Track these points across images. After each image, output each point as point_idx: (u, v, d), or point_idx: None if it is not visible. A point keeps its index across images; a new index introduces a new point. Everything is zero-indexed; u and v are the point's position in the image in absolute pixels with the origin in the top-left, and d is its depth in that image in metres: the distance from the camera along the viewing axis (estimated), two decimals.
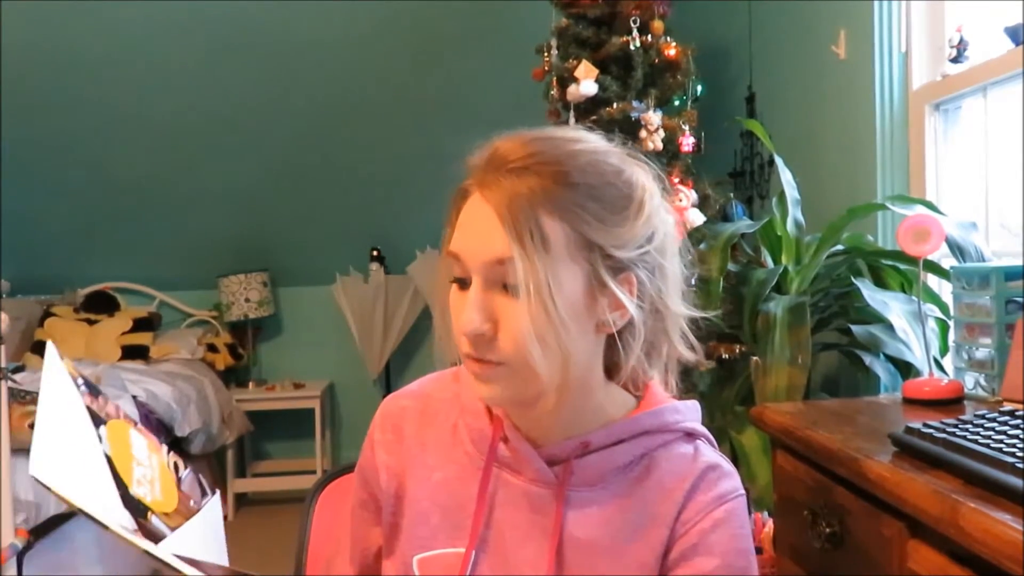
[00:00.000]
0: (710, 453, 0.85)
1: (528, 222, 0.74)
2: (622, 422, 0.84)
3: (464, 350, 0.78)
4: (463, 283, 0.78)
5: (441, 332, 0.85)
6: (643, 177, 0.81)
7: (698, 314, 0.87)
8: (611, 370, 0.85)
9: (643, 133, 2.34)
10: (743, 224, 1.87)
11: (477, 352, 0.77)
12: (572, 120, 2.40)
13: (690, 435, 0.86)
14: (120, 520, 0.85)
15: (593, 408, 0.84)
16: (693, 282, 0.86)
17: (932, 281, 1.85)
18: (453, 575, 0.82)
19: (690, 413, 0.87)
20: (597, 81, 2.37)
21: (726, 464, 0.85)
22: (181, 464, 1.00)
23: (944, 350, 1.67)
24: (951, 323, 1.55)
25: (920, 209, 1.66)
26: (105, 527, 0.80)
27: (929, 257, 1.36)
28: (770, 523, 1.71)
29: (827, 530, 1.05)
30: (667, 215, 0.83)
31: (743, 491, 0.84)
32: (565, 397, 0.79)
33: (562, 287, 0.74)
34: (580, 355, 0.78)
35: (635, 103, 2.36)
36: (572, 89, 2.38)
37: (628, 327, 0.80)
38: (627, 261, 0.78)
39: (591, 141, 0.81)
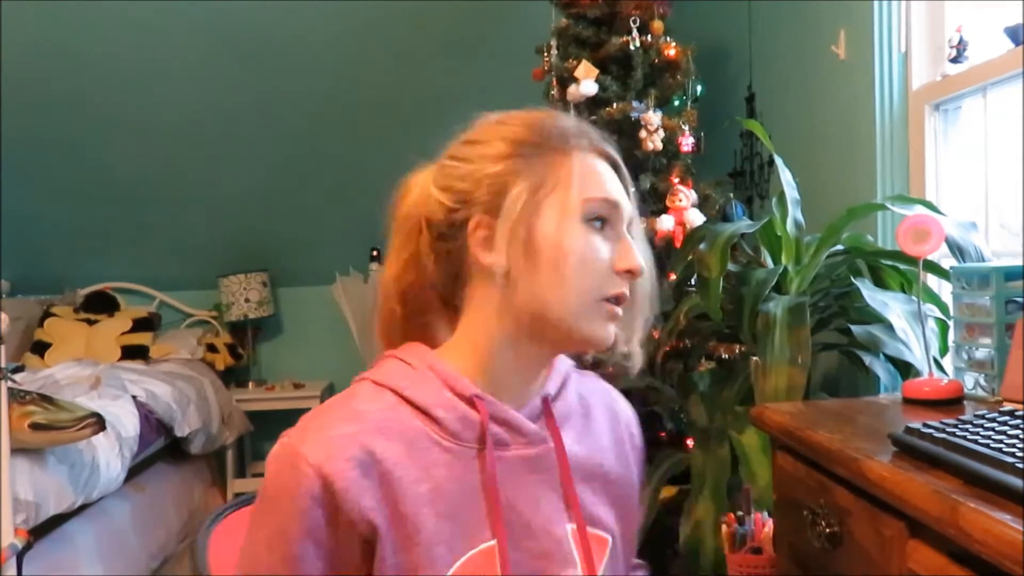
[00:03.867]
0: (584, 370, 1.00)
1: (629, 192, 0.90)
2: (555, 370, 0.93)
3: (615, 291, 0.84)
4: (602, 225, 0.86)
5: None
6: None
7: None
8: None
9: (643, 133, 2.34)
10: (743, 224, 1.87)
11: (626, 290, 0.86)
12: None
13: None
14: None
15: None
16: None
17: (932, 281, 1.85)
18: (490, 573, 0.81)
19: None
20: (597, 81, 2.38)
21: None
22: None
23: (944, 350, 1.67)
24: (951, 323, 1.55)
25: (920, 209, 1.66)
26: None
27: (929, 257, 1.36)
28: (770, 523, 1.71)
29: (827, 530, 1.05)
30: None
31: None
32: None
33: None
34: None
35: (635, 103, 2.36)
36: (572, 89, 2.38)
37: None
38: None
39: None
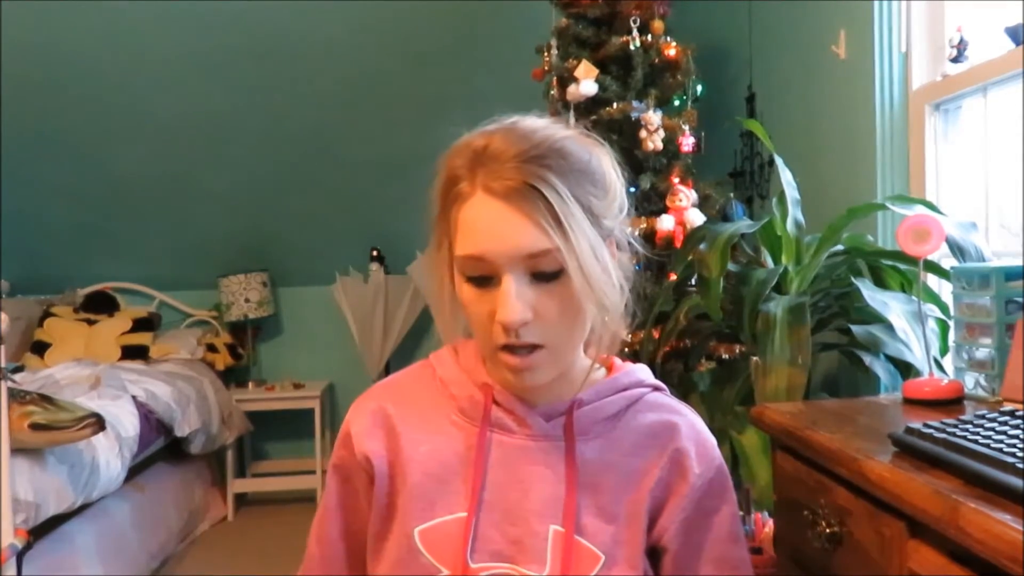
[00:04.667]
0: (676, 401, 0.98)
1: (560, 213, 0.80)
2: (603, 382, 0.94)
3: (501, 342, 0.83)
4: (482, 281, 0.83)
5: (447, 331, 0.93)
6: (601, 152, 0.89)
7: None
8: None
9: (643, 133, 2.34)
10: (743, 224, 1.87)
11: (520, 338, 0.82)
12: (572, 120, 2.40)
13: (656, 388, 0.98)
14: None
15: (578, 371, 0.93)
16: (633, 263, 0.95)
17: (932, 281, 1.85)
18: (456, 541, 0.86)
19: (650, 373, 1.00)
20: (597, 81, 2.38)
21: (690, 411, 0.97)
22: None
23: (944, 350, 1.67)
24: (951, 323, 1.55)
25: (920, 209, 1.66)
26: None
27: (929, 257, 1.36)
28: (770, 523, 1.71)
29: (827, 530, 1.05)
30: (621, 184, 0.91)
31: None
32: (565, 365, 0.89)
33: (593, 257, 0.82)
34: (619, 308, 0.87)
35: (635, 103, 2.36)
36: (572, 89, 2.38)
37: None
38: (611, 229, 0.88)
39: (555, 127, 0.87)
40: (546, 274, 0.82)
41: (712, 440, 0.95)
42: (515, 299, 0.81)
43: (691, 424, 0.94)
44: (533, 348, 0.83)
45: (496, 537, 0.87)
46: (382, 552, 0.90)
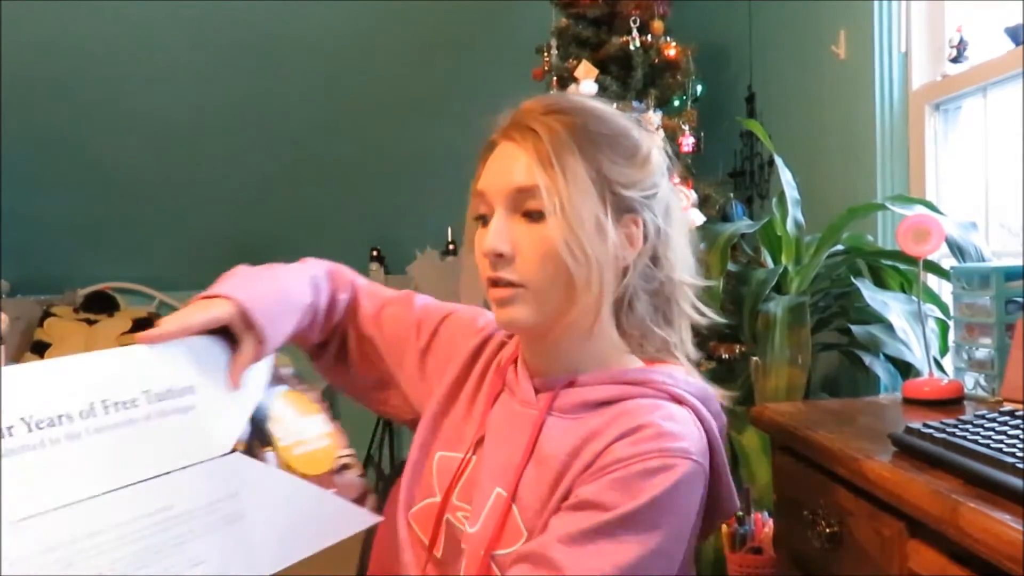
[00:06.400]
0: (675, 416, 0.84)
1: (551, 153, 0.84)
2: (612, 369, 0.91)
3: (486, 274, 0.86)
4: (485, 220, 0.88)
5: (471, 277, 0.95)
6: (650, 142, 0.92)
7: (701, 282, 0.96)
8: (625, 331, 0.92)
9: None
10: (743, 224, 1.87)
11: (497, 272, 0.85)
12: None
13: (678, 401, 0.87)
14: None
15: (593, 353, 0.91)
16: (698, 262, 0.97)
17: (932, 281, 1.85)
18: (451, 474, 0.94)
19: (688, 386, 0.89)
20: (597, 81, 2.37)
21: (679, 428, 0.82)
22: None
23: (944, 350, 1.67)
24: (951, 323, 1.55)
25: (920, 209, 1.66)
26: None
27: (929, 257, 1.36)
28: (770, 523, 1.71)
29: (827, 530, 1.05)
30: (671, 186, 0.93)
31: (676, 457, 0.80)
32: (572, 334, 0.89)
33: (582, 208, 0.83)
34: (605, 271, 0.85)
35: (635, 103, 2.36)
36: (572, 89, 2.38)
37: (633, 274, 0.89)
38: (632, 202, 0.87)
39: (606, 106, 0.93)
40: (532, 213, 0.85)
41: (660, 463, 0.80)
42: (493, 230, 0.85)
43: (654, 434, 0.81)
44: (512, 286, 0.86)
45: (474, 483, 0.91)
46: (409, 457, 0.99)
